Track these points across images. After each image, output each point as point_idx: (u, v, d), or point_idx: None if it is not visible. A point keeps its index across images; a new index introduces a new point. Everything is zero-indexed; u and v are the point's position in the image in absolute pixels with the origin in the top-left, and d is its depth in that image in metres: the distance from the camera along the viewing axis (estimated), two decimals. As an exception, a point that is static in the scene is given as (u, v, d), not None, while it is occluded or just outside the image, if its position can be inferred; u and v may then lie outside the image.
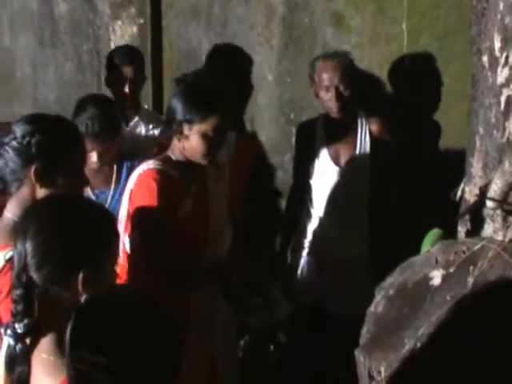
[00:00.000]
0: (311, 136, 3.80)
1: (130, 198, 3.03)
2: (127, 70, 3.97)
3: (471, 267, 1.86)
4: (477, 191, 2.28)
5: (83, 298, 1.82)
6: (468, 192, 2.38)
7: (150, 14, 4.85)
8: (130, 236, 3.00)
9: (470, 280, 1.82)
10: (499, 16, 2.21)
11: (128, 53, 4.10)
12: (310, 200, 3.80)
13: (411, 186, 3.76)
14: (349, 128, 3.74)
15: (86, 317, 1.53)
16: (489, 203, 2.13)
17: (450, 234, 2.34)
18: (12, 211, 2.38)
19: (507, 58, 2.20)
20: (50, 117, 2.50)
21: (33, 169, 2.36)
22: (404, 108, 3.93)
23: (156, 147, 3.50)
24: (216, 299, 3.19)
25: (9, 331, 1.83)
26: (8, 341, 1.83)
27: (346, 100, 3.63)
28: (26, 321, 1.81)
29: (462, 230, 2.40)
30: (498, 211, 2.11)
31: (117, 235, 2.01)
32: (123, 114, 3.77)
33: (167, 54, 4.85)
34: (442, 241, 2.08)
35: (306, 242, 3.82)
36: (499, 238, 2.06)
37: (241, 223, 3.51)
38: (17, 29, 5.79)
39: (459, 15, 3.72)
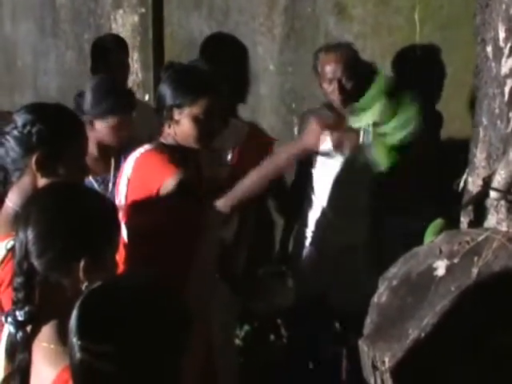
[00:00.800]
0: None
1: (128, 184, 3.01)
2: (113, 59, 3.98)
3: (476, 258, 1.85)
4: (480, 182, 2.28)
5: (84, 286, 1.82)
6: (471, 182, 2.37)
7: (151, 4, 4.84)
8: (127, 223, 2.99)
9: (475, 270, 1.82)
10: (504, 6, 2.21)
11: (113, 41, 4.11)
12: (312, 189, 3.80)
13: (413, 175, 3.75)
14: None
15: (90, 305, 1.52)
16: (493, 194, 2.13)
17: (452, 224, 2.34)
18: (13, 201, 2.37)
19: (511, 48, 2.20)
20: (50, 106, 2.49)
21: (34, 158, 2.36)
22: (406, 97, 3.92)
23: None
24: (212, 285, 3.19)
25: (9, 319, 1.83)
26: (9, 328, 1.83)
27: (348, 92, 3.63)
28: (26, 308, 1.81)
29: (464, 221, 2.40)
30: (502, 202, 2.10)
31: (118, 224, 2.01)
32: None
33: (168, 43, 4.84)
34: (445, 231, 2.07)
35: (308, 231, 3.83)
36: (503, 228, 2.06)
37: (249, 210, 3.48)
38: (18, 18, 5.78)
39: (463, 5, 3.70)
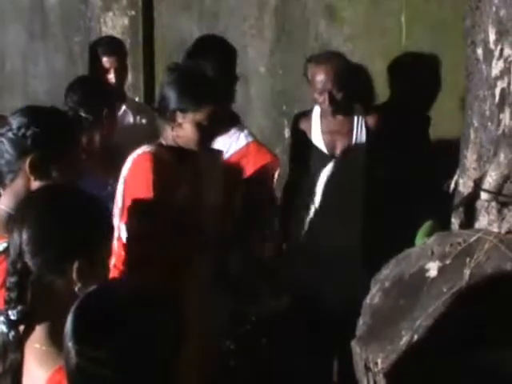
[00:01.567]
0: (307, 126, 3.81)
1: (125, 185, 3.02)
2: (111, 61, 3.97)
3: (467, 259, 1.86)
4: (471, 183, 2.29)
5: (77, 287, 1.82)
6: (462, 184, 2.38)
7: (141, 6, 4.84)
8: (125, 224, 3.00)
9: (467, 272, 1.83)
10: (494, 8, 2.22)
11: (110, 43, 4.11)
12: (306, 190, 3.81)
13: (405, 177, 3.77)
14: (345, 119, 3.75)
15: (86, 310, 1.52)
16: (484, 195, 2.14)
17: (443, 225, 2.34)
18: (6, 203, 2.37)
19: (502, 50, 2.21)
20: (45, 109, 2.50)
21: (28, 161, 2.35)
22: (398, 100, 3.93)
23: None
24: (208, 285, 3.20)
25: (2, 318, 1.82)
26: (1, 328, 1.83)
27: (339, 103, 3.66)
28: (19, 308, 1.81)
29: (455, 222, 2.41)
30: (493, 203, 2.11)
31: (111, 226, 2.02)
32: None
33: (159, 45, 4.84)
34: (437, 232, 2.08)
35: (302, 232, 3.84)
36: (494, 229, 2.07)
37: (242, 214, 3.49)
38: (6, 21, 5.76)
39: (452, 8, 3.72)
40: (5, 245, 2.13)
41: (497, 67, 2.22)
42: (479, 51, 2.30)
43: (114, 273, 2.68)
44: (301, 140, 3.86)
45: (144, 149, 3.00)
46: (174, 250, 2.97)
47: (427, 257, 1.95)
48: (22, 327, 1.81)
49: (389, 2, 3.94)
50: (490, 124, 2.25)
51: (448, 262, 1.89)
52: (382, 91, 4.02)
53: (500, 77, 2.21)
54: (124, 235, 3.02)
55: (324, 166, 3.74)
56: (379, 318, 1.88)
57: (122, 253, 3.00)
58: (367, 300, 1.97)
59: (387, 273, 2.00)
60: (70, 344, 1.48)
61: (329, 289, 3.71)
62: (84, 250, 1.84)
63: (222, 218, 3.25)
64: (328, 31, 4.16)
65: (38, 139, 2.36)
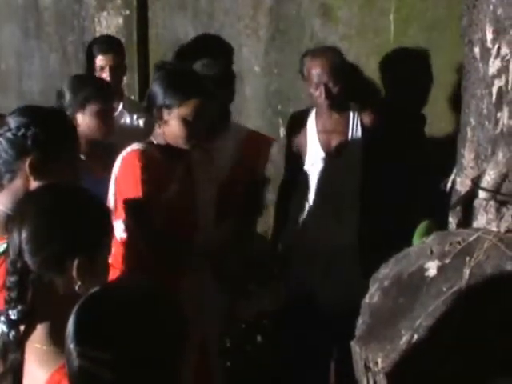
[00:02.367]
0: (303, 126, 3.82)
1: (116, 183, 3.02)
2: (108, 59, 3.97)
3: (467, 258, 1.86)
4: (468, 182, 2.28)
5: (77, 286, 1.82)
6: (459, 183, 2.38)
7: (135, 5, 4.83)
8: (118, 222, 3.00)
9: (467, 271, 1.83)
10: (491, 7, 2.22)
11: (107, 42, 4.11)
12: (301, 189, 3.81)
13: (401, 175, 3.77)
14: (340, 118, 3.76)
15: (88, 311, 1.52)
16: (482, 194, 2.13)
17: (440, 225, 2.34)
18: (4, 204, 2.36)
19: (499, 49, 2.21)
20: (45, 109, 2.50)
21: (28, 161, 2.35)
22: (393, 99, 3.94)
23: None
24: (205, 285, 3.19)
25: (2, 318, 1.82)
26: (1, 328, 1.83)
27: (335, 97, 3.67)
28: (19, 307, 1.81)
29: (453, 221, 2.41)
30: (492, 202, 2.11)
31: (111, 224, 2.02)
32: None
33: (153, 45, 4.84)
34: (436, 232, 2.08)
35: (296, 232, 3.84)
36: (493, 228, 2.06)
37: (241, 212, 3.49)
38: (1, 20, 5.75)
39: (447, 7, 3.73)
40: (5, 246, 2.13)
41: (494, 66, 2.22)
42: (476, 50, 2.30)
43: (111, 272, 2.67)
44: (296, 139, 3.87)
45: (133, 147, 3.00)
46: (166, 249, 2.97)
47: (426, 256, 1.95)
48: (22, 327, 1.81)
49: (384, 1, 3.94)
50: (487, 123, 2.25)
51: (447, 261, 1.89)
52: (376, 90, 4.02)
53: (497, 75, 2.21)
54: (119, 234, 3.02)
55: (320, 164, 3.74)
56: (378, 318, 1.88)
57: (118, 251, 3.00)
58: (366, 299, 1.97)
59: (386, 272, 2.00)
60: (71, 345, 1.49)
61: (325, 287, 3.72)
62: (84, 248, 1.85)
63: (220, 214, 3.25)
64: (323, 30, 4.16)
65: (37, 139, 2.36)
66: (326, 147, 3.76)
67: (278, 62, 4.35)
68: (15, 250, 1.83)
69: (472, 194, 2.22)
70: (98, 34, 4.91)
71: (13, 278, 1.82)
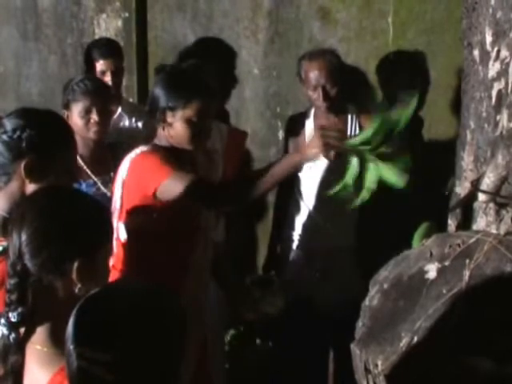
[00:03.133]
0: (301, 129, 3.82)
1: (123, 185, 3.01)
2: (108, 63, 3.97)
3: (467, 260, 1.87)
4: (468, 185, 2.29)
5: (77, 288, 1.82)
6: (459, 185, 2.39)
7: (135, 8, 4.82)
8: (124, 224, 2.99)
9: (466, 273, 1.83)
10: (491, 10, 2.22)
11: (107, 45, 4.10)
12: (299, 192, 3.82)
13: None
14: (339, 121, 3.76)
15: (88, 313, 1.52)
16: (481, 196, 2.14)
17: (440, 227, 2.35)
18: (0, 206, 2.36)
19: (498, 52, 2.21)
20: (41, 111, 2.47)
21: (23, 163, 2.34)
22: (391, 101, 3.94)
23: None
24: (206, 286, 3.20)
25: (2, 320, 1.82)
26: (1, 330, 1.83)
27: (333, 99, 3.67)
28: (19, 310, 1.81)
29: (452, 224, 2.41)
30: (491, 204, 2.12)
31: (111, 227, 2.01)
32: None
33: (152, 47, 4.83)
34: (435, 234, 2.08)
35: (295, 235, 3.84)
36: (492, 231, 2.07)
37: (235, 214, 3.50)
38: (-1, 22, 5.74)
39: (446, 10, 3.73)
40: (1, 248, 2.13)
41: (493, 69, 2.22)
42: (476, 53, 2.31)
43: (112, 273, 2.67)
44: (294, 141, 3.87)
45: (142, 149, 3.00)
46: (176, 249, 2.97)
47: (426, 258, 1.95)
48: (22, 329, 1.81)
49: (382, 4, 3.95)
50: (486, 126, 2.26)
51: (447, 263, 1.90)
52: (375, 92, 4.03)
53: (497, 78, 2.22)
54: (123, 236, 3.01)
55: (318, 167, 3.74)
56: (378, 320, 1.88)
57: (121, 253, 3.00)
58: (366, 302, 1.97)
59: (386, 274, 2.00)
60: (71, 346, 1.49)
61: (323, 290, 3.72)
62: (84, 250, 1.84)
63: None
64: (322, 33, 4.16)
65: (33, 142, 2.34)
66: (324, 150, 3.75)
67: (277, 64, 4.36)
68: (15, 252, 1.83)
69: (471, 197, 2.23)
70: (96, 37, 4.90)
71: (13, 281, 1.82)
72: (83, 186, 3.41)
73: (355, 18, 4.06)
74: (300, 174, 3.80)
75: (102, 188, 3.46)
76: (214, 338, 3.34)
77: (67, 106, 3.48)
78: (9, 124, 2.37)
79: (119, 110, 4.02)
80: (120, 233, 2.99)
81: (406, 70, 3.93)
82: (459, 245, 1.92)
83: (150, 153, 2.94)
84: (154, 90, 3.02)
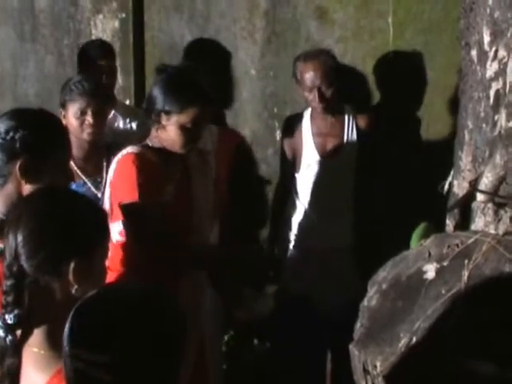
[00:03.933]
0: (298, 129, 3.82)
1: (111, 186, 3.02)
2: (102, 64, 3.96)
3: (466, 261, 1.86)
4: (466, 184, 2.28)
5: (74, 289, 1.81)
6: (457, 185, 2.38)
7: (131, 9, 4.81)
8: (114, 225, 2.99)
9: (465, 273, 1.83)
10: (488, 10, 2.22)
11: (101, 46, 4.10)
12: (296, 192, 3.82)
13: (396, 178, 3.78)
14: (336, 121, 3.76)
15: (84, 314, 1.51)
16: (480, 196, 2.14)
17: (438, 227, 2.34)
18: (-3, 208, 2.35)
19: (496, 51, 2.21)
20: (33, 111, 2.47)
21: (18, 164, 2.33)
22: (389, 102, 3.94)
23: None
24: (203, 288, 3.19)
25: (-1, 322, 1.82)
26: (-2, 332, 1.82)
27: (329, 100, 3.68)
28: (16, 311, 1.80)
29: (450, 224, 2.41)
30: (489, 204, 2.11)
31: (107, 227, 2.01)
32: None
33: (149, 48, 4.82)
34: (434, 234, 2.08)
35: (292, 235, 3.84)
36: (491, 231, 2.07)
37: (228, 213, 3.49)
38: (-4, 23, 5.73)
39: (444, 10, 3.73)
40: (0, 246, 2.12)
41: (491, 68, 2.22)
42: (473, 53, 2.30)
43: (108, 275, 2.67)
44: (292, 142, 3.87)
45: (128, 150, 2.99)
46: (163, 252, 2.97)
47: (424, 259, 1.95)
48: (19, 331, 1.80)
49: (380, 4, 3.94)
50: (484, 125, 2.25)
51: (446, 263, 1.89)
52: (372, 92, 4.03)
53: (494, 78, 2.21)
54: (115, 237, 3.01)
55: (315, 167, 3.75)
56: (377, 321, 1.88)
57: (114, 254, 2.99)
58: (365, 302, 1.96)
59: (384, 275, 1.99)
60: (68, 348, 1.48)
61: (320, 290, 3.72)
62: (80, 251, 1.84)
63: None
64: (319, 33, 4.16)
65: (27, 142, 2.33)
66: (321, 150, 3.77)
67: (274, 64, 4.35)
68: (11, 253, 1.82)
69: (470, 197, 2.23)
70: (93, 37, 4.88)
71: (9, 282, 1.81)
72: (73, 186, 3.40)
73: (352, 18, 4.06)
74: (297, 175, 3.81)
75: (93, 188, 3.47)
76: (212, 339, 3.33)
77: (64, 106, 3.49)
78: (1, 126, 2.36)
79: (113, 111, 4.01)
80: (112, 234, 2.99)
81: (403, 70, 3.93)
82: (458, 245, 1.91)
83: (134, 159, 2.93)
84: (152, 90, 3.02)
